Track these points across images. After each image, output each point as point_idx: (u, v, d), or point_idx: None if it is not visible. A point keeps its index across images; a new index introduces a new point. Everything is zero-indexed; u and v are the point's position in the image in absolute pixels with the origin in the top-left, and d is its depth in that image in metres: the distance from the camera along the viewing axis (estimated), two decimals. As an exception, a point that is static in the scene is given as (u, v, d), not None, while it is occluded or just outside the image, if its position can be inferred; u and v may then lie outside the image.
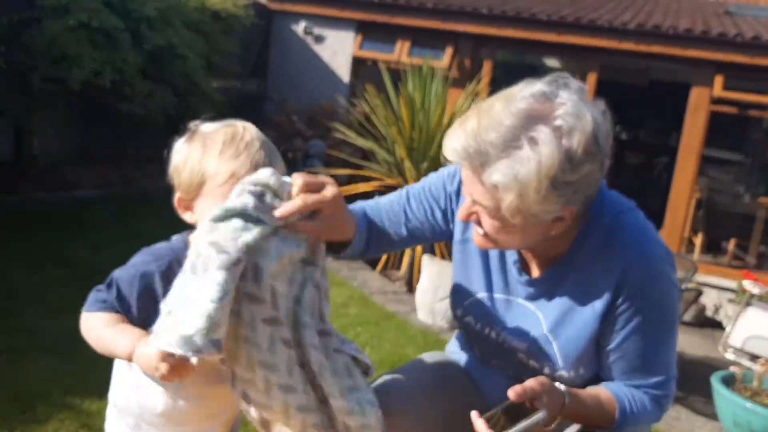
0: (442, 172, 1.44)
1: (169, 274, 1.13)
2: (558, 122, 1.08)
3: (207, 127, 1.19)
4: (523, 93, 1.12)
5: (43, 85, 5.30)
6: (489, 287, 1.37)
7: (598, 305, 1.23)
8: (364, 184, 5.28)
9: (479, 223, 1.21)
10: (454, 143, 1.14)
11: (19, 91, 5.22)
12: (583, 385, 1.30)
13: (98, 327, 1.12)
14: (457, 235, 1.42)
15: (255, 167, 1.10)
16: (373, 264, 5.23)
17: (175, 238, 1.21)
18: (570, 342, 1.26)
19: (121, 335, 1.09)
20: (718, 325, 6.73)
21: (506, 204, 1.11)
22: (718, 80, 6.96)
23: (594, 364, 1.30)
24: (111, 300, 1.13)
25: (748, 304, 5.17)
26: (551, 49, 7.51)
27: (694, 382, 4.77)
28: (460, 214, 1.23)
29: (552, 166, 1.06)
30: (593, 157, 1.09)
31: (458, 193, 1.39)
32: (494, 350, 1.38)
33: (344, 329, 3.73)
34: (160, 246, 1.20)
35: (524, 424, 1.13)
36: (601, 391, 1.28)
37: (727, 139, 8.07)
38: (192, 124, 1.20)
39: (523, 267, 1.34)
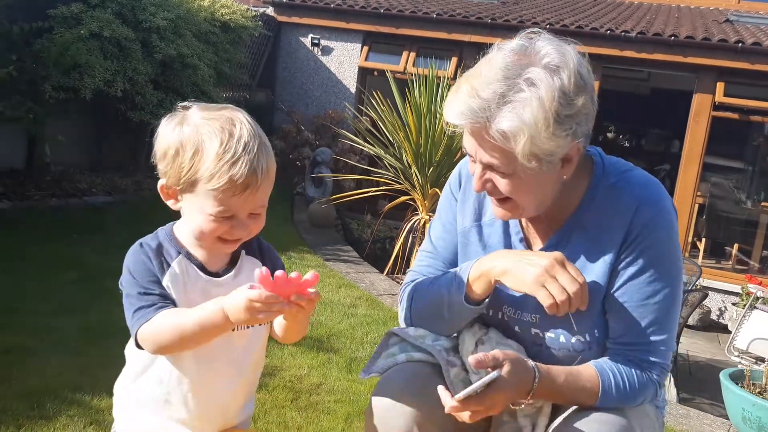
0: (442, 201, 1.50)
1: (160, 251, 1.17)
2: (546, 60, 1.15)
3: (198, 117, 1.12)
4: (504, 51, 1.19)
5: (55, 93, 5.38)
6: None
7: (608, 257, 1.26)
8: (372, 189, 5.37)
9: (494, 191, 1.24)
10: (456, 108, 1.17)
11: (32, 99, 5.30)
12: (599, 351, 1.31)
13: (174, 325, 1.09)
14: (458, 226, 1.44)
15: (253, 172, 1.09)
16: (380, 267, 5.31)
17: (161, 228, 1.23)
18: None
19: (201, 311, 1.08)
20: (722, 328, 6.77)
21: (520, 148, 1.14)
22: (720, 87, 7.03)
23: (606, 325, 1.29)
24: (151, 298, 1.12)
25: (752, 307, 5.21)
26: (554, 57, 7.60)
27: (700, 384, 4.79)
28: (474, 185, 1.26)
29: (552, 99, 1.12)
30: (583, 90, 1.16)
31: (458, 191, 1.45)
32: (505, 332, 1.39)
33: (353, 329, 3.78)
34: (146, 237, 1.21)
35: (477, 383, 1.13)
36: (584, 367, 1.26)
37: (728, 145, 8.12)
38: (180, 106, 1.15)
39: (527, 242, 1.37)
